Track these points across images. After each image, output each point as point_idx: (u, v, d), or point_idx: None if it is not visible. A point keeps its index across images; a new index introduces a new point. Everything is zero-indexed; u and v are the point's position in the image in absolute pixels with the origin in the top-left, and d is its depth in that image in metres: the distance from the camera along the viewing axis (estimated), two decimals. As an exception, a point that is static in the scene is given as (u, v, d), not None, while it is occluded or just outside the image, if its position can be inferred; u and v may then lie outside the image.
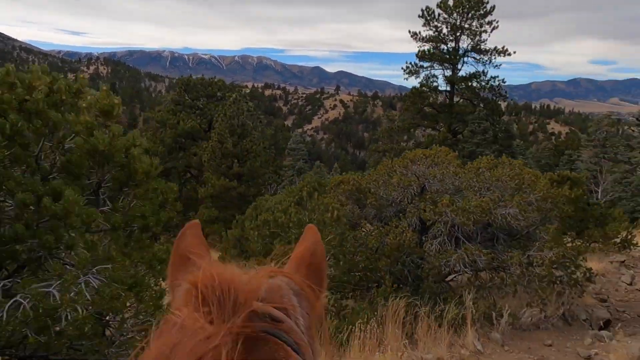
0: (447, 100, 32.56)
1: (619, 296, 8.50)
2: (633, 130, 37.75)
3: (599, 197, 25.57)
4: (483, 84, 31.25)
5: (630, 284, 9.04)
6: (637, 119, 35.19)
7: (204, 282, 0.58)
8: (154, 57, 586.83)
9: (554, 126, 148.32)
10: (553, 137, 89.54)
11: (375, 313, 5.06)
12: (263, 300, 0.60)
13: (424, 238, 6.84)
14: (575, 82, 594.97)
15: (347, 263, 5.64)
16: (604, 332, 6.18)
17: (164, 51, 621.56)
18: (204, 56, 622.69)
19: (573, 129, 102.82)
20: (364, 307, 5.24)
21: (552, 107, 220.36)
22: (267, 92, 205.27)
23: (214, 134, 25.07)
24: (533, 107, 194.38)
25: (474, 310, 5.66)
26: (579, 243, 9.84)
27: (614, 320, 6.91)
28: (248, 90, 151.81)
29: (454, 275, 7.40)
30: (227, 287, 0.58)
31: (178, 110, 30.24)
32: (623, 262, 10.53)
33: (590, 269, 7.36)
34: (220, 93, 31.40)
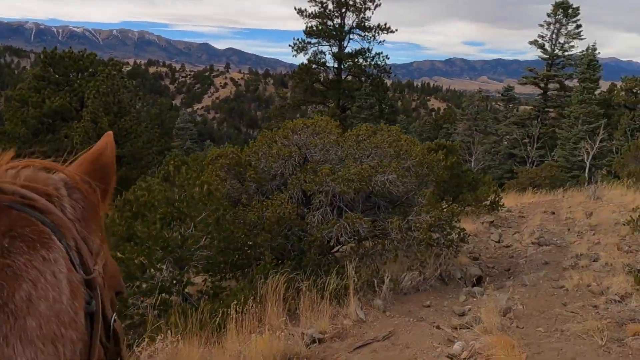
0: (335, 76, 33.04)
1: (488, 253, 9.17)
2: (499, 105, 41.93)
3: (472, 165, 27.89)
4: (369, 60, 32.18)
5: (498, 242, 9.84)
6: (502, 95, 38.91)
7: None
8: (15, 28, 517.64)
9: (433, 102, 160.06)
10: (433, 113, 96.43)
11: (254, 292, 4.72)
12: (16, 184, 0.60)
13: (307, 210, 6.63)
14: (451, 62, 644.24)
15: (222, 241, 5.21)
16: (476, 289, 6.52)
17: (27, 22, 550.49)
18: (76, 29, 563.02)
19: (450, 105, 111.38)
20: (242, 287, 4.88)
21: (431, 85, 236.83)
22: (152, 70, 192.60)
23: (86, 112, 22.64)
24: (415, 85, 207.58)
25: (356, 279, 5.59)
26: (454, 206, 10.44)
27: (484, 276, 7.38)
28: (130, 67, 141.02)
29: (339, 247, 7.35)
30: None
31: (42, 87, 26.77)
32: (492, 222, 11.47)
33: (464, 229, 7.78)
34: (92, 68, 28.40)
